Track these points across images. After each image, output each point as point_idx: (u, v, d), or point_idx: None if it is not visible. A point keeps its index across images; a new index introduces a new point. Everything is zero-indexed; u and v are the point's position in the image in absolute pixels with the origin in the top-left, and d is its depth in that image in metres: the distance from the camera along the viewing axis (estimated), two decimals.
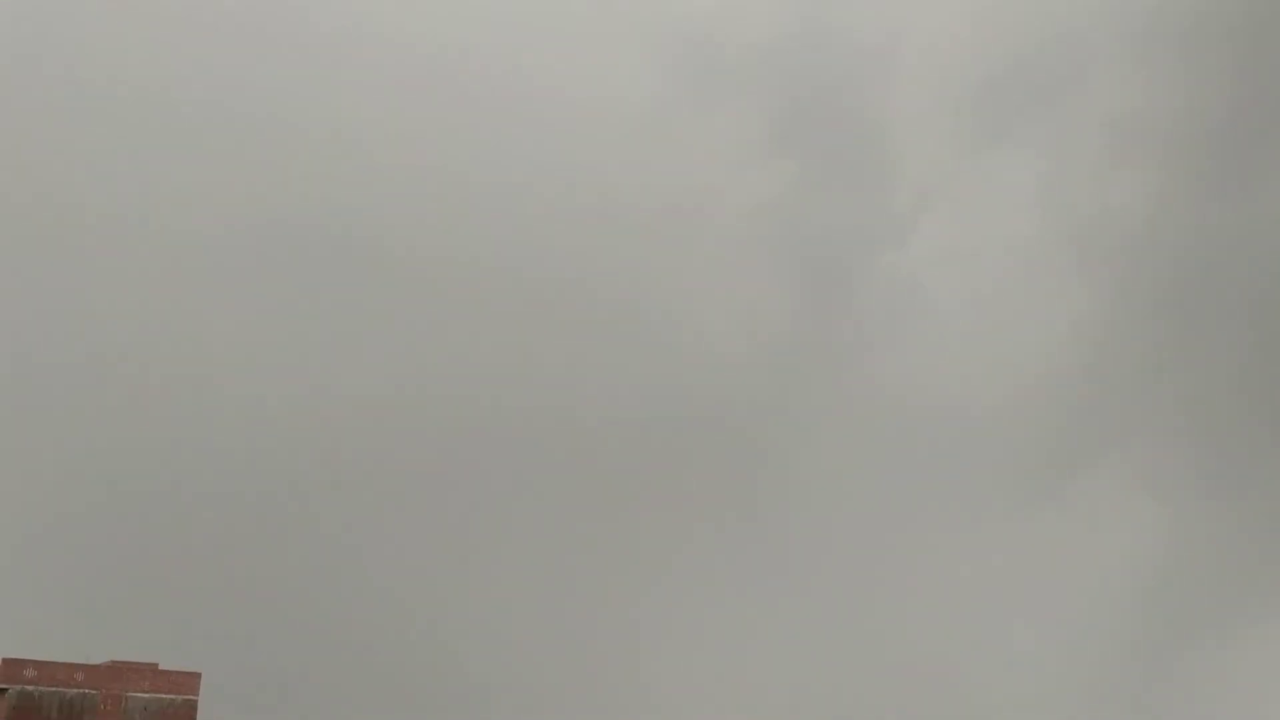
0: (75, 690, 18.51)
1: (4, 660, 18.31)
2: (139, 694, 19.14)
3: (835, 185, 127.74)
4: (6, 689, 17.95)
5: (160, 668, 19.78)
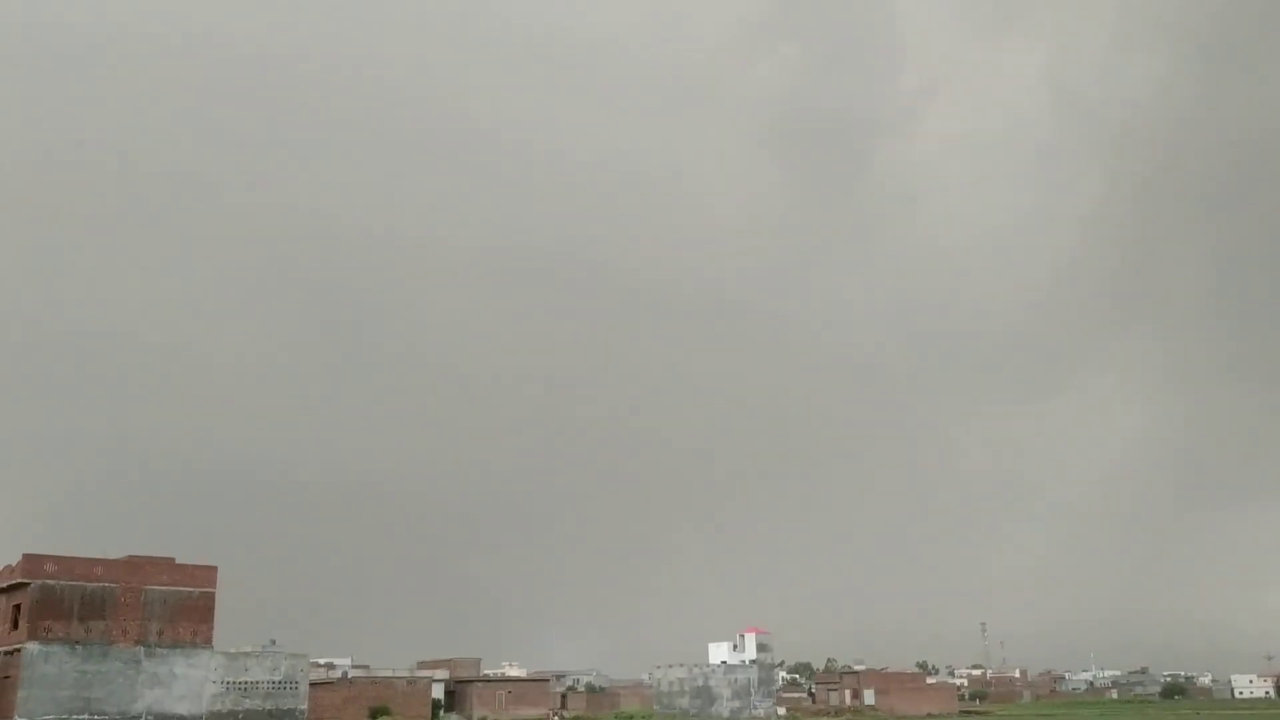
0: (95, 584, 18.95)
1: (25, 555, 18.67)
2: (157, 587, 19.59)
3: (839, 70, 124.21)
4: (29, 583, 18.37)
5: (177, 562, 20.18)
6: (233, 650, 21.02)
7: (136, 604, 19.30)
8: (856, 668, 51.59)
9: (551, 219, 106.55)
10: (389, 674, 33.61)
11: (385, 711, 29.75)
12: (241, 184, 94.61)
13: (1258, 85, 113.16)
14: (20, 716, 17.66)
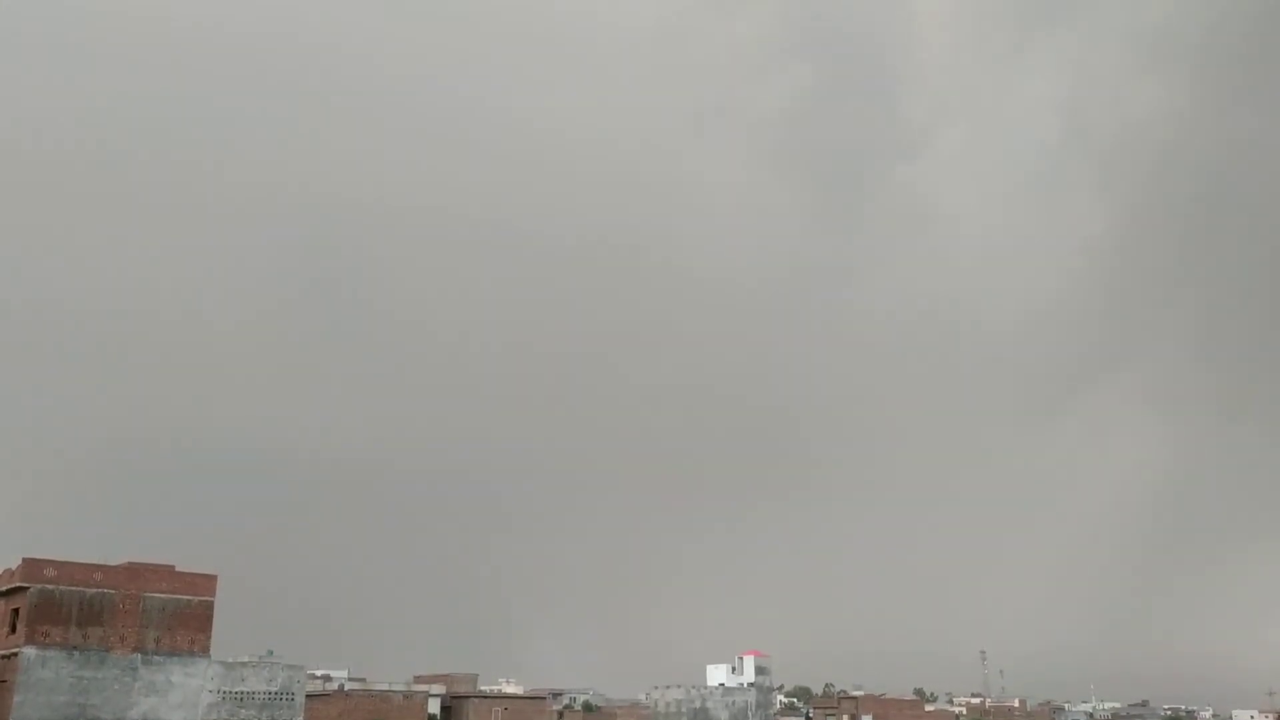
0: (94, 589, 18.92)
1: (25, 560, 18.66)
2: (156, 594, 19.55)
3: (851, 94, 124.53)
4: (28, 587, 18.35)
5: (177, 569, 20.14)
6: (230, 660, 20.95)
7: (135, 611, 19.26)
8: (855, 693, 51.21)
9: (560, 204, 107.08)
10: (385, 687, 33.49)
11: None
12: (240, 172, 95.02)
13: (1269, 115, 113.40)
14: None
